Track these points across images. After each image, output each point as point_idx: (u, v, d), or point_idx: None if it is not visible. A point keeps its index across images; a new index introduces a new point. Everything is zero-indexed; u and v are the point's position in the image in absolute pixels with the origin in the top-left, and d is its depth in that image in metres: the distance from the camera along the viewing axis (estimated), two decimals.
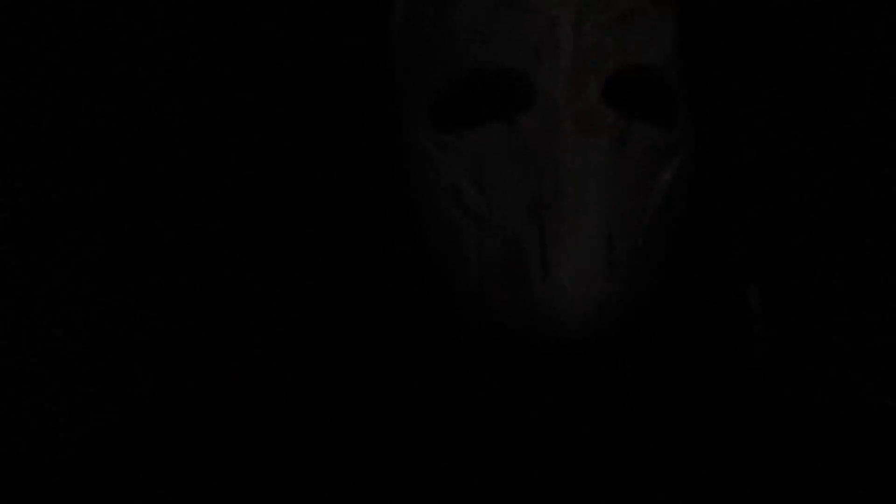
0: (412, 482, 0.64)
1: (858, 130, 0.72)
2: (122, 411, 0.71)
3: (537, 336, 0.63)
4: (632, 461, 0.65)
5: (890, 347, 0.71)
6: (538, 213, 0.62)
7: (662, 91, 0.67)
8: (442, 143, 0.65)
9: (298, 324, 0.73)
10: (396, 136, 0.69)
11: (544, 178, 0.62)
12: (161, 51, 0.74)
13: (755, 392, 0.70)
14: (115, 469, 0.65)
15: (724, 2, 0.74)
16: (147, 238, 0.74)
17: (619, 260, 0.63)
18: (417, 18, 0.68)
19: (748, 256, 0.72)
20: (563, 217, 0.61)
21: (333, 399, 0.69)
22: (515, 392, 0.67)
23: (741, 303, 0.72)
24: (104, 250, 0.73)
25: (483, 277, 0.64)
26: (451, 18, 0.66)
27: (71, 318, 0.72)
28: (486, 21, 0.64)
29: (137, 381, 0.72)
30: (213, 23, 0.74)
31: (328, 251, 0.74)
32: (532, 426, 0.66)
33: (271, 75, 0.75)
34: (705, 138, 0.70)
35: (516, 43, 0.63)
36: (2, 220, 0.72)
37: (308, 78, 0.75)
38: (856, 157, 0.72)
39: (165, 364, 0.72)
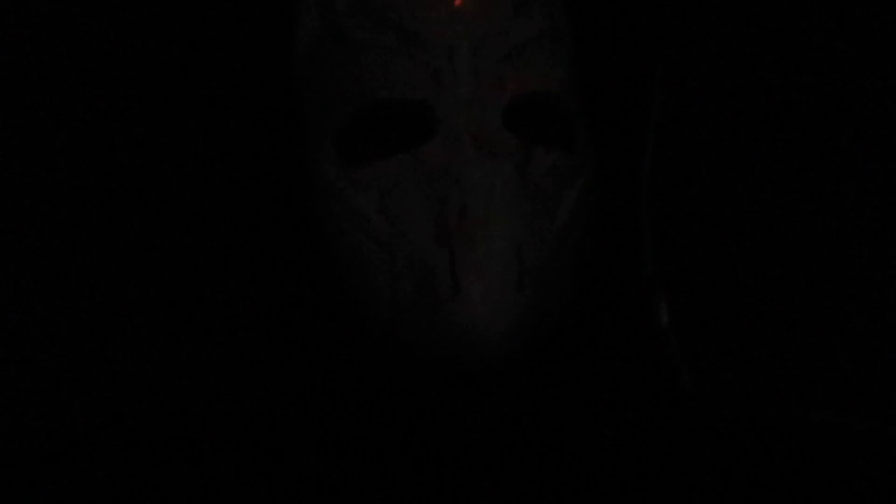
0: None
1: (764, 140, 0.74)
2: (118, 410, 0.70)
3: (452, 358, 0.64)
4: (548, 478, 0.66)
5: (807, 360, 0.73)
6: (446, 237, 0.63)
7: (561, 116, 0.69)
8: (347, 174, 0.66)
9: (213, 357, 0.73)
10: (303, 167, 0.69)
11: (449, 202, 0.63)
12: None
13: (668, 406, 0.71)
14: (112, 467, 0.65)
15: (620, 27, 0.77)
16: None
17: (529, 275, 0.64)
18: (318, 52, 0.69)
19: (656, 273, 0.74)
20: (471, 237, 0.63)
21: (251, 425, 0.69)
22: (435, 417, 0.67)
23: (652, 318, 0.73)
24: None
25: (396, 305, 0.65)
26: (351, 54, 0.67)
27: (59, 318, 0.71)
28: (386, 54, 0.66)
29: (131, 381, 0.71)
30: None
31: (237, 281, 0.74)
32: (452, 448, 0.67)
33: (178, 103, 0.75)
34: (608, 158, 0.73)
35: (416, 74, 0.65)
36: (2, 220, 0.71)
37: (217, 101, 0.75)
38: (762, 167, 0.74)
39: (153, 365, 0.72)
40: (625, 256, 0.75)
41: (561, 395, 0.71)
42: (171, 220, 0.74)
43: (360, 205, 0.66)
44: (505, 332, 0.63)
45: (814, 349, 0.73)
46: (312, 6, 0.70)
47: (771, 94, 0.74)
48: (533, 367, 0.68)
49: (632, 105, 0.75)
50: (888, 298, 0.72)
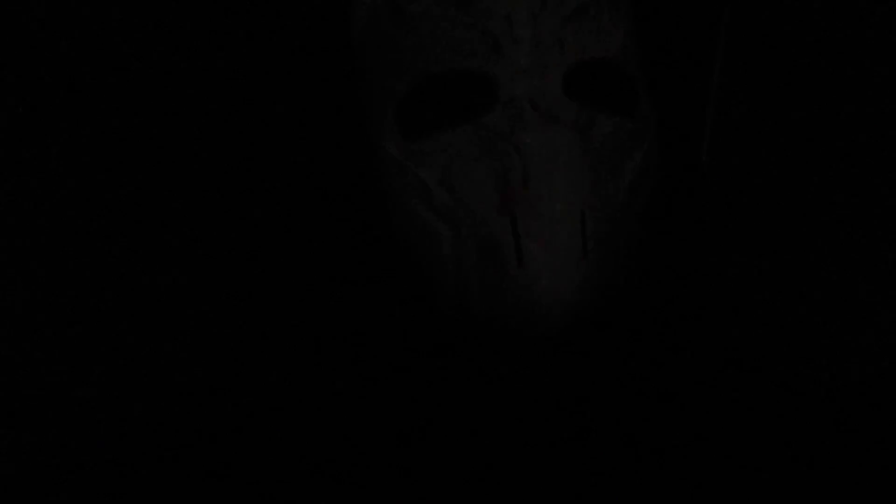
0: (402, 478, 0.65)
1: (818, 120, 0.73)
2: (118, 412, 0.71)
3: (518, 326, 0.64)
4: (617, 449, 0.66)
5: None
6: (508, 206, 0.63)
7: (621, 81, 0.68)
8: (409, 148, 0.66)
9: (282, 327, 0.73)
10: (365, 142, 0.70)
11: (511, 170, 0.63)
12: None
13: (731, 380, 0.71)
14: (112, 470, 0.65)
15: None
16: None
17: (593, 241, 0.63)
18: (376, 30, 0.69)
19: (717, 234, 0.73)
20: (533, 205, 0.62)
21: (322, 399, 0.69)
22: (503, 383, 0.67)
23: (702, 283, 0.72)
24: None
25: (461, 275, 0.65)
26: (408, 27, 0.67)
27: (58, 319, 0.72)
28: (445, 26, 0.65)
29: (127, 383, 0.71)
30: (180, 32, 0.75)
31: (308, 256, 0.75)
32: (521, 415, 0.67)
33: (240, 85, 0.75)
34: (669, 125, 0.72)
35: (475, 44, 0.65)
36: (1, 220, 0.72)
37: (276, 86, 0.76)
38: (821, 146, 0.73)
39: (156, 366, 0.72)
40: (686, 227, 0.74)
41: (621, 365, 0.70)
42: (236, 197, 0.75)
43: (423, 177, 0.66)
44: (569, 299, 0.63)
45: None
46: None
47: (833, 60, 0.72)
48: (596, 337, 0.68)
49: (692, 70, 0.74)
50: None
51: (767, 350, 0.71)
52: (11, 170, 0.71)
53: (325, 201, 0.75)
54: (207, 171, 0.74)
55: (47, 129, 0.72)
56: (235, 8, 0.75)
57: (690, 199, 0.75)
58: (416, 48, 0.66)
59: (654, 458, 0.66)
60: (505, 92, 0.64)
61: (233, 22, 0.75)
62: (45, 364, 0.70)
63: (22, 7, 0.72)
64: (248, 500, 0.64)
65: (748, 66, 0.74)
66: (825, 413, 0.67)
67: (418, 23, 0.66)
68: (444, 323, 0.68)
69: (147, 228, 0.73)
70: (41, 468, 0.67)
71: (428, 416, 0.68)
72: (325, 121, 0.75)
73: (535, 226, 0.62)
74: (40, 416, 0.69)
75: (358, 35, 0.71)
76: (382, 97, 0.68)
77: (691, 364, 0.71)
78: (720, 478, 0.64)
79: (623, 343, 0.71)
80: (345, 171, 0.74)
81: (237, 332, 0.72)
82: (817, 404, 0.68)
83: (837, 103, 0.71)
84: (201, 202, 0.74)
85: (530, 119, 0.63)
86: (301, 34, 0.76)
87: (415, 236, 0.67)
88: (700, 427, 0.67)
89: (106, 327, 0.71)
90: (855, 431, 0.66)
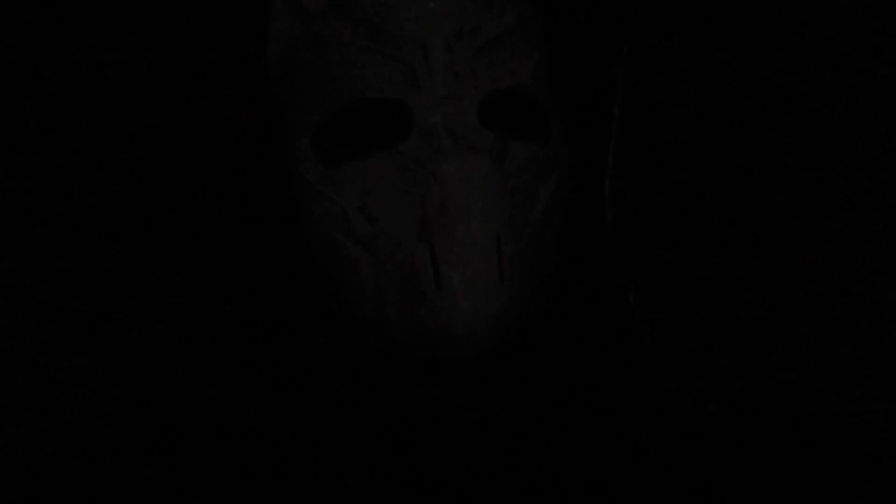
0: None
1: (734, 132, 0.76)
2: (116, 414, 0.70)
3: (438, 352, 0.65)
4: (532, 465, 0.67)
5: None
6: (427, 233, 0.64)
7: (534, 110, 0.70)
8: (326, 175, 0.67)
9: (199, 353, 0.73)
10: (282, 169, 0.70)
11: (428, 197, 0.64)
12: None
13: (643, 393, 0.72)
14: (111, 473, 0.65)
15: (587, 19, 0.78)
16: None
17: (509, 265, 0.65)
18: (294, 57, 0.70)
19: (626, 259, 0.75)
20: (451, 231, 0.63)
21: (246, 419, 0.69)
22: (420, 410, 0.68)
23: (623, 302, 0.74)
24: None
25: (380, 302, 0.66)
26: (325, 55, 0.68)
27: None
28: (361, 55, 0.66)
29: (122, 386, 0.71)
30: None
31: (224, 284, 0.74)
32: (438, 440, 0.68)
33: (156, 102, 0.75)
34: (582, 149, 0.74)
35: (392, 72, 0.66)
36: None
37: (189, 112, 0.75)
38: (731, 159, 0.75)
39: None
40: (603, 245, 0.76)
41: (543, 386, 0.72)
42: (151, 226, 0.74)
43: (341, 205, 0.66)
44: (488, 322, 0.64)
45: (777, 340, 0.74)
46: (283, 9, 0.70)
47: (734, 84, 0.75)
48: (516, 359, 0.69)
49: (603, 96, 0.76)
50: (848, 287, 0.73)
51: (691, 364, 0.73)
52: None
53: (240, 229, 0.75)
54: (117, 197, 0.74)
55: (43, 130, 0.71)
56: (148, 32, 0.75)
57: (602, 221, 0.77)
58: (333, 76, 0.67)
59: (574, 477, 0.67)
60: (421, 120, 0.65)
61: (148, 47, 0.75)
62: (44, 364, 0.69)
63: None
64: None
65: (650, 88, 0.76)
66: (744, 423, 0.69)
67: (335, 51, 0.67)
68: (362, 348, 0.68)
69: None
70: (41, 469, 0.66)
71: (347, 441, 0.68)
72: (240, 146, 0.75)
73: (452, 251, 0.63)
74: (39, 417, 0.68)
75: (275, 62, 0.71)
76: (300, 124, 0.68)
77: (610, 382, 0.73)
78: (639, 492, 0.66)
79: (540, 365, 0.72)
80: (260, 196, 0.74)
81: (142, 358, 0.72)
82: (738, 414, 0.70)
83: (747, 116, 0.74)
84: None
85: (447, 147, 0.65)
86: (218, 59, 0.75)
87: (333, 263, 0.67)
88: (621, 443, 0.69)
89: (105, 327, 0.70)
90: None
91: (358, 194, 0.66)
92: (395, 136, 0.66)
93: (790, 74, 0.73)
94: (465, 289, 0.63)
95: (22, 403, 0.68)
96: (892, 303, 0.69)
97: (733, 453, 0.68)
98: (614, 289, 0.75)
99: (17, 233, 0.71)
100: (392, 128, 0.66)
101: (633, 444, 0.68)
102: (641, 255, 0.75)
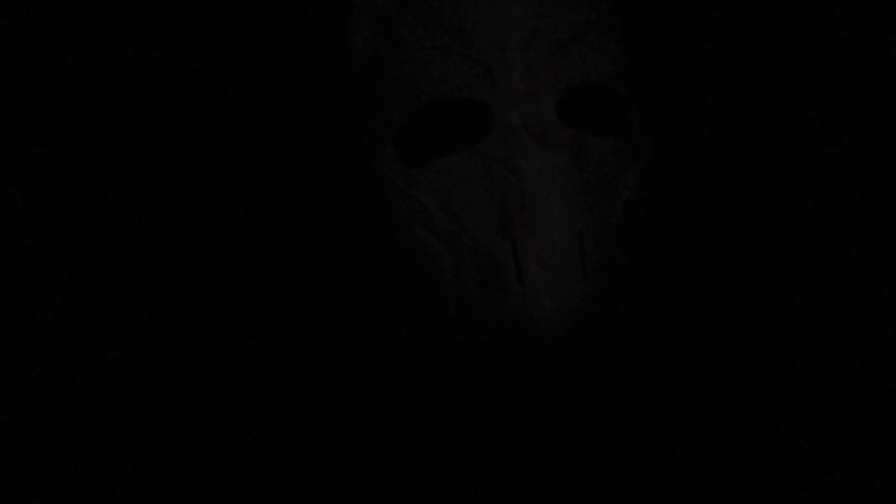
0: (408, 495, 0.66)
1: (817, 132, 0.75)
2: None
3: (521, 347, 0.65)
4: (624, 466, 0.67)
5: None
6: (508, 228, 0.64)
7: (613, 105, 0.70)
8: (408, 174, 0.68)
9: (284, 348, 0.74)
10: (364, 168, 0.71)
11: (509, 194, 0.64)
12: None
13: (736, 391, 0.72)
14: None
15: (670, 19, 0.77)
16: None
17: (592, 261, 0.65)
18: (372, 59, 0.71)
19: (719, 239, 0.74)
20: (532, 226, 0.64)
21: (327, 417, 0.70)
22: (507, 405, 0.68)
23: (708, 298, 0.73)
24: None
25: (462, 298, 0.67)
26: (403, 57, 0.69)
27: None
28: (439, 55, 0.67)
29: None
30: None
31: (309, 281, 0.76)
32: (526, 438, 0.68)
33: (239, 111, 0.77)
34: (663, 145, 0.73)
35: (469, 72, 0.67)
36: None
37: (275, 111, 0.77)
38: (819, 158, 0.74)
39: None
40: (686, 244, 0.75)
41: (628, 383, 0.71)
42: (234, 225, 0.76)
43: (422, 203, 0.67)
44: (570, 318, 0.64)
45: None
46: (363, 12, 0.72)
47: (827, 63, 0.74)
48: (600, 355, 0.69)
49: (684, 90, 0.75)
50: None
51: (774, 364, 0.72)
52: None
53: (325, 225, 0.76)
54: (208, 199, 0.75)
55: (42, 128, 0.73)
56: (233, 32, 0.77)
57: (691, 214, 0.76)
58: (412, 77, 0.68)
59: (659, 474, 0.67)
60: (500, 118, 0.66)
61: (230, 46, 0.77)
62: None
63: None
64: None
65: (740, 77, 0.75)
66: (830, 427, 0.68)
67: (413, 52, 0.68)
68: (447, 343, 0.69)
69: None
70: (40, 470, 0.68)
71: (436, 433, 0.69)
72: (323, 147, 0.77)
73: (534, 247, 0.64)
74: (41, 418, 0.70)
75: (355, 64, 0.72)
76: (380, 125, 0.70)
77: (696, 381, 0.72)
78: (727, 492, 0.65)
79: (627, 360, 0.72)
80: (344, 196, 0.75)
81: (236, 349, 0.73)
82: (823, 417, 0.69)
83: (834, 109, 0.73)
84: (202, 224, 0.75)
85: (526, 144, 0.65)
86: (299, 61, 0.77)
87: (416, 260, 0.68)
88: (706, 442, 0.68)
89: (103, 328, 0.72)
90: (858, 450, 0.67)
91: (439, 192, 0.67)
92: (474, 134, 0.67)
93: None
94: (547, 284, 0.64)
95: (24, 403, 0.70)
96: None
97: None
98: (699, 284, 0.74)
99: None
100: (472, 126, 0.67)
101: (722, 442, 0.68)
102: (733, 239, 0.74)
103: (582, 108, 0.68)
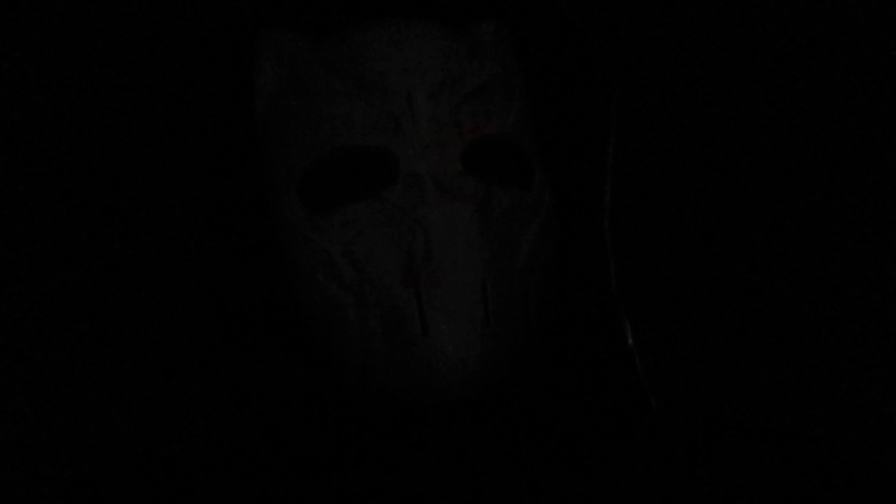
0: None
1: (714, 167, 0.77)
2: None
3: (423, 394, 0.66)
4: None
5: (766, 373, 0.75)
6: (413, 279, 0.65)
7: (516, 157, 0.71)
8: (312, 221, 0.68)
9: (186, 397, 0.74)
10: (268, 215, 0.71)
11: (413, 244, 0.65)
12: None
13: (636, 432, 0.73)
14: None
15: (569, 66, 0.79)
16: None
17: (494, 309, 0.66)
18: (280, 103, 0.71)
19: (620, 295, 0.75)
20: (436, 277, 0.65)
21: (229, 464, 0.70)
22: (406, 455, 0.69)
23: (618, 340, 0.75)
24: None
25: (367, 347, 0.67)
26: (311, 103, 0.69)
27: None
28: (346, 103, 0.68)
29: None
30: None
31: (208, 325, 0.75)
32: (424, 485, 0.68)
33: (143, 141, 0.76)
34: (563, 194, 0.75)
35: (377, 121, 0.67)
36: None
37: (176, 157, 0.76)
38: (719, 187, 0.76)
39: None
40: (586, 290, 0.77)
41: (530, 426, 0.72)
42: (141, 266, 0.75)
43: (327, 250, 0.67)
44: (475, 366, 0.65)
45: (772, 361, 0.75)
46: (270, 57, 0.72)
47: (722, 118, 0.76)
48: (502, 398, 0.70)
49: (585, 140, 0.77)
50: (848, 310, 0.74)
51: (677, 404, 0.74)
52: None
53: (226, 271, 0.76)
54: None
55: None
56: (140, 72, 0.76)
57: (590, 264, 0.78)
58: (319, 124, 0.68)
59: None
60: (406, 168, 0.67)
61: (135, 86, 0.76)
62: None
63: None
64: None
65: (642, 132, 0.77)
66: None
67: (321, 99, 0.69)
68: (347, 392, 0.69)
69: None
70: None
71: (337, 479, 0.69)
72: (226, 189, 0.76)
73: (438, 297, 0.65)
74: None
75: (262, 110, 0.72)
76: (286, 170, 0.69)
77: (594, 425, 0.74)
78: None
79: (526, 406, 0.73)
80: (247, 243, 0.75)
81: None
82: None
83: (741, 155, 0.75)
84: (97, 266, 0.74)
85: (431, 194, 0.66)
86: (204, 105, 0.76)
87: (319, 308, 0.68)
88: (610, 479, 0.70)
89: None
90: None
91: (344, 240, 0.67)
92: (380, 183, 0.67)
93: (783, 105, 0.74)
94: (451, 333, 0.64)
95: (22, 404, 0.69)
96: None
97: (733, 471, 0.68)
98: (600, 327, 0.76)
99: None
100: (378, 175, 0.67)
101: (625, 479, 0.69)
102: (639, 285, 0.76)
103: (487, 160, 0.69)
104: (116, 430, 0.71)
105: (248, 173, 0.74)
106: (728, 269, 0.76)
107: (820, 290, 0.75)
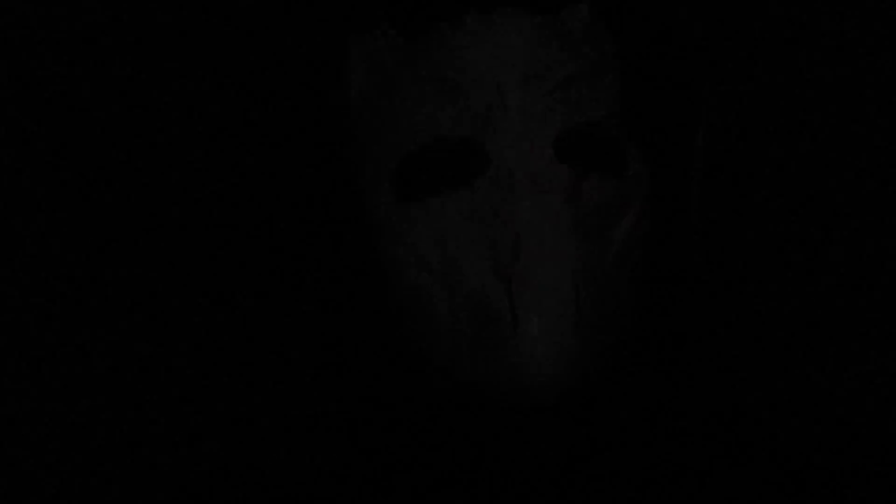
0: None
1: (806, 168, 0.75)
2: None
3: (511, 394, 0.64)
4: None
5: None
6: (503, 271, 0.63)
7: (610, 145, 0.69)
8: (404, 212, 0.67)
9: (276, 388, 0.73)
10: (360, 208, 0.70)
11: (505, 236, 0.64)
12: None
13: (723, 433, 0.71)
14: None
15: (665, 56, 0.77)
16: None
17: (586, 306, 0.64)
18: (370, 97, 0.71)
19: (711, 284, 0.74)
20: (527, 273, 0.63)
21: (315, 462, 0.69)
22: (497, 451, 0.68)
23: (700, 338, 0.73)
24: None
25: (455, 339, 0.66)
26: (401, 96, 0.68)
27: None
28: (436, 96, 0.67)
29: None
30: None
31: (302, 317, 0.75)
32: (516, 483, 0.67)
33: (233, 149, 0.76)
34: (661, 188, 0.73)
35: (466, 112, 0.66)
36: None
37: (272, 150, 0.76)
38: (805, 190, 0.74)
39: None
40: (680, 285, 0.75)
41: (621, 430, 0.71)
42: (237, 263, 0.75)
43: (417, 241, 0.67)
44: (565, 364, 0.63)
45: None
46: (363, 59, 0.71)
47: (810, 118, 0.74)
48: (593, 401, 0.68)
49: (682, 131, 0.75)
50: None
51: (768, 411, 0.72)
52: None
53: (322, 263, 0.75)
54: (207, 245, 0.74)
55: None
56: (233, 68, 0.76)
57: (685, 257, 0.76)
58: (410, 117, 0.68)
59: None
60: (496, 159, 0.65)
61: (230, 83, 0.76)
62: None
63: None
64: None
65: (732, 124, 0.75)
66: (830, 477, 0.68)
67: (411, 94, 0.68)
68: (436, 391, 0.68)
69: None
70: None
71: (423, 482, 0.68)
72: (321, 183, 0.76)
73: (529, 293, 0.63)
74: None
75: (354, 109, 0.72)
76: (376, 163, 0.69)
77: (690, 429, 0.72)
78: None
79: (619, 409, 0.71)
80: (341, 234, 0.74)
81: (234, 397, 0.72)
82: (822, 466, 0.68)
83: (828, 150, 0.73)
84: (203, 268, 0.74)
85: (520, 187, 0.64)
86: (299, 99, 0.76)
87: (410, 300, 0.67)
88: (699, 489, 0.68)
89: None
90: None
91: (434, 232, 0.66)
92: (470, 174, 0.66)
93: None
94: (542, 331, 0.63)
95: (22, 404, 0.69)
96: None
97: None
98: (693, 323, 0.74)
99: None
100: (468, 167, 0.66)
101: (716, 481, 0.67)
102: (727, 282, 0.74)
103: (578, 149, 0.67)
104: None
105: (342, 173, 0.73)
106: (814, 280, 0.74)
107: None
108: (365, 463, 0.69)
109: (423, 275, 0.66)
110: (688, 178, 0.74)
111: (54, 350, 0.69)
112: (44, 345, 0.69)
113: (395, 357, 0.70)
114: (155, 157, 0.73)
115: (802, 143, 0.73)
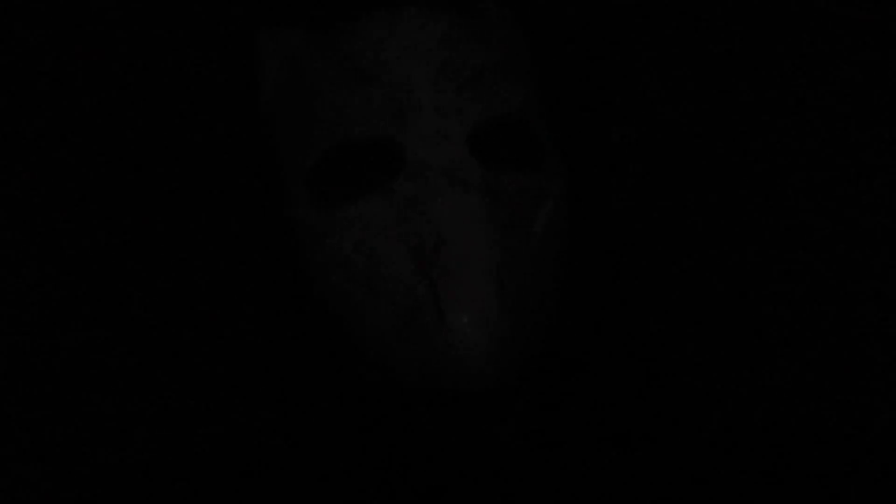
0: None
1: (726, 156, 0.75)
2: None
3: (446, 383, 0.64)
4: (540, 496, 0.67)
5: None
6: (425, 270, 0.64)
7: (526, 139, 0.70)
8: (322, 218, 0.67)
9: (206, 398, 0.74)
10: (280, 214, 0.71)
11: (424, 235, 0.64)
12: None
13: (654, 412, 0.72)
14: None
15: (581, 45, 0.77)
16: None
17: (510, 294, 0.64)
18: (283, 100, 0.71)
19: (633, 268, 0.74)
20: (449, 267, 0.63)
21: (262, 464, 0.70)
22: (430, 444, 0.68)
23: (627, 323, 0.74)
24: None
25: (383, 339, 0.66)
26: (313, 98, 0.69)
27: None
28: (348, 95, 0.67)
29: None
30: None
31: (225, 322, 0.75)
32: (448, 473, 0.68)
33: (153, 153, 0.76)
34: (579, 178, 0.73)
35: (379, 112, 0.66)
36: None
37: (184, 162, 0.76)
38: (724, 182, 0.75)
39: None
40: (602, 270, 0.75)
41: (554, 413, 0.71)
42: (155, 265, 0.76)
43: (337, 245, 0.67)
44: (492, 353, 0.63)
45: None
46: (271, 55, 0.71)
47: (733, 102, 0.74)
48: (522, 386, 0.68)
49: (598, 121, 0.76)
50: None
51: (691, 397, 0.72)
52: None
53: (243, 273, 0.76)
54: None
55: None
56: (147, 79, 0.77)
57: (607, 243, 0.76)
58: (323, 117, 0.68)
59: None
60: (411, 158, 0.66)
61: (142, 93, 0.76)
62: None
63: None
64: None
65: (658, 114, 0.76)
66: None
67: (323, 92, 0.68)
68: (368, 383, 0.69)
69: None
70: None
71: (357, 476, 0.69)
72: (238, 193, 0.76)
73: (452, 286, 0.63)
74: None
75: (265, 107, 0.72)
76: (293, 168, 0.69)
77: (616, 410, 0.72)
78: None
79: (548, 392, 0.72)
80: (261, 244, 0.75)
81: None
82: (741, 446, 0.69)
83: (744, 140, 0.73)
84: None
85: (437, 184, 0.65)
86: (209, 106, 0.77)
87: (335, 304, 0.68)
88: (638, 460, 0.69)
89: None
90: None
91: (354, 235, 0.66)
92: (387, 174, 0.66)
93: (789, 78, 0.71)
94: (468, 322, 0.63)
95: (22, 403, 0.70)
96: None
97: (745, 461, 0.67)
98: (617, 308, 0.74)
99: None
100: (385, 166, 0.67)
101: (649, 458, 0.68)
102: (650, 266, 0.74)
103: (494, 143, 0.68)
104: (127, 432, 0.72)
105: (255, 172, 0.74)
106: (732, 266, 0.74)
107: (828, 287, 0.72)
108: (300, 460, 0.70)
109: (346, 279, 0.67)
110: (606, 171, 0.75)
111: (48, 350, 0.71)
112: (38, 346, 0.71)
113: (329, 355, 0.71)
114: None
115: (718, 137, 0.73)
